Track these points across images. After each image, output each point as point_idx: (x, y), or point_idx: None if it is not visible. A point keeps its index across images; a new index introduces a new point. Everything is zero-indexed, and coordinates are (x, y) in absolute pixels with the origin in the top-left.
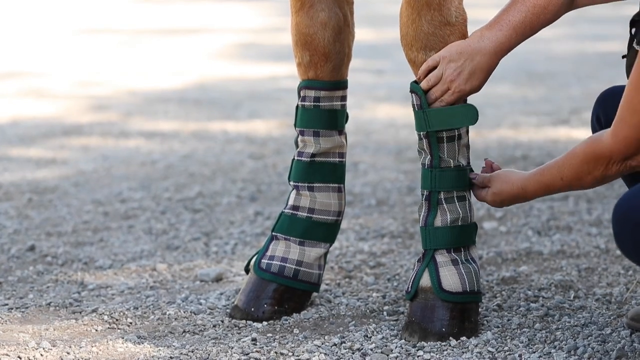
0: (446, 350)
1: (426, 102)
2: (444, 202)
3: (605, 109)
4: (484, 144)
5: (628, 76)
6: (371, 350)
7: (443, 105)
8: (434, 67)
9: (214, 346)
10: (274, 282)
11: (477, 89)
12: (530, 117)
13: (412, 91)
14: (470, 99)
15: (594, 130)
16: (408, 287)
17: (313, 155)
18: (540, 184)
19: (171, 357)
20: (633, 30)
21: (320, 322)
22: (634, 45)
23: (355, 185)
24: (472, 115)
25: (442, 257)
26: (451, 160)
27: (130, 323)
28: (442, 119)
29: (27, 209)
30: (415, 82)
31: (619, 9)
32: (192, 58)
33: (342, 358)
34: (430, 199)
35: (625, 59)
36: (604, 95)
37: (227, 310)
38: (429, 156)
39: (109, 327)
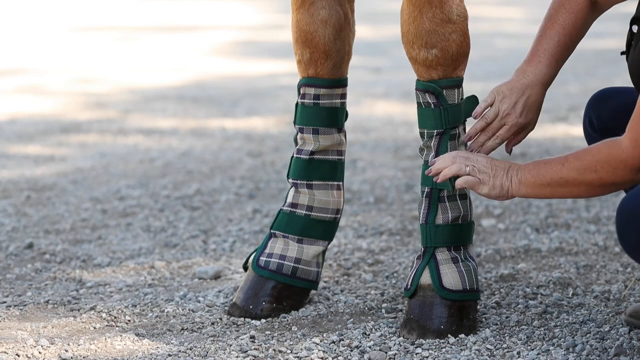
0: (445, 347)
1: (445, 99)
2: (445, 199)
3: (598, 112)
4: None
5: (630, 75)
6: (369, 347)
7: (498, 143)
8: (487, 107)
9: (212, 343)
10: (272, 279)
11: (532, 122)
12: None
13: (424, 90)
14: (470, 93)
15: (587, 135)
16: (407, 285)
17: (312, 152)
18: (535, 168)
19: (169, 355)
20: (634, 27)
21: (319, 320)
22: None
23: (353, 182)
24: (477, 104)
25: (442, 255)
26: None
27: (129, 320)
28: (458, 115)
29: (25, 207)
30: (429, 82)
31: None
32: (190, 55)
33: (340, 355)
34: (432, 196)
35: (623, 56)
36: (596, 98)
37: (226, 308)
38: (433, 153)
39: (107, 325)
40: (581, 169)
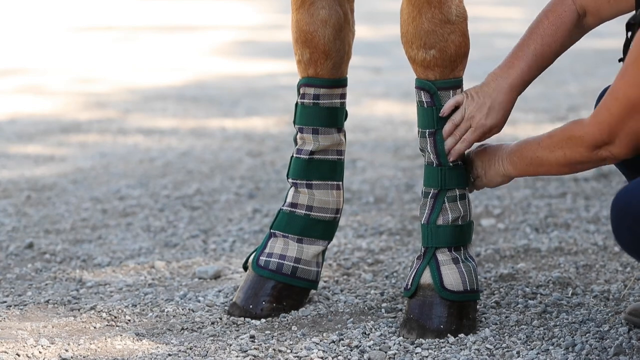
0: (444, 347)
1: (439, 99)
2: (446, 200)
3: None
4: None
5: None
6: (369, 347)
7: (465, 145)
8: (456, 108)
9: (212, 343)
10: (272, 279)
11: (497, 124)
12: (528, 114)
13: (420, 88)
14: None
15: None
16: (407, 285)
17: (312, 152)
18: (518, 148)
19: (169, 354)
20: (629, 33)
21: (319, 319)
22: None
23: (353, 182)
24: None
25: (443, 256)
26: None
27: (129, 320)
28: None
29: (26, 207)
30: (426, 80)
31: None
32: (190, 55)
33: (340, 355)
34: (438, 197)
35: (621, 62)
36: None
37: (226, 308)
38: (433, 154)
39: (107, 325)
40: (551, 146)
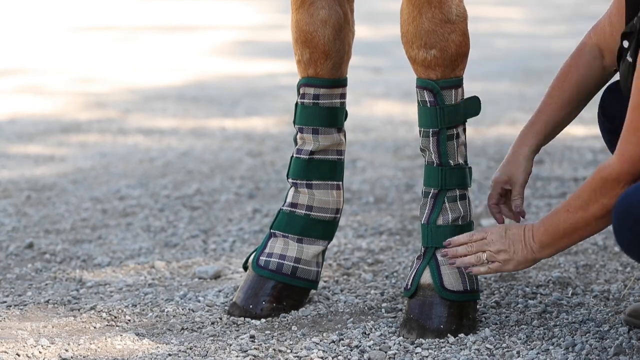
0: (444, 347)
1: (442, 99)
2: (446, 200)
3: (610, 102)
4: (482, 141)
5: (623, 86)
6: (369, 347)
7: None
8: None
9: (212, 343)
10: (272, 279)
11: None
12: (528, 114)
13: (423, 87)
14: (471, 93)
15: (600, 123)
16: (407, 285)
17: (312, 152)
18: (546, 226)
19: (169, 354)
20: (625, 43)
21: (319, 319)
22: (628, 57)
23: (353, 182)
24: (478, 105)
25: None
26: (458, 158)
27: (129, 320)
28: (455, 115)
29: (26, 207)
30: (427, 79)
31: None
32: (190, 55)
33: (340, 355)
34: (438, 197)
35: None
36: (609, 87)
37: (226, 308)
38: (435, 154)
39: (107, 324)
40: (584, 206)
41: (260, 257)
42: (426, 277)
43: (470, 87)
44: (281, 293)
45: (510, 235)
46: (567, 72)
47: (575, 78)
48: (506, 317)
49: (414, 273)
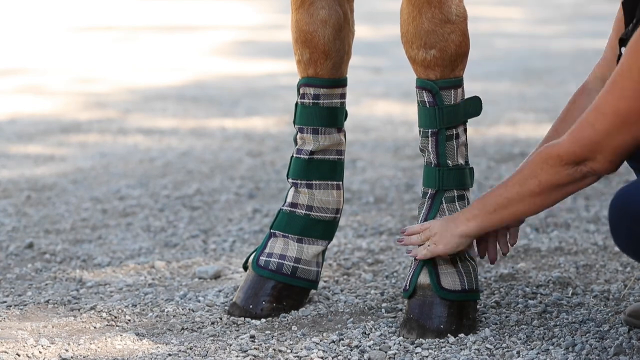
0: (444, 347)
1: (441, 99)
2: (444, 201)
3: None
4: (482, 141)
5: None
6: (369, 347)
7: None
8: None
9: (212, 343)
10: (272, 279)
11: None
12: (528, 114)
13: (422, 87)
14: (471, 93)
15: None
16: (406, 285)
17: (312, 152)
18: (478, 200)
19: (169, 354)
20: (622, 49)
21: (319, 319)
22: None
23: (353, 182)
24: (479, 105)
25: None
26: (457, 158)
27: (129, 320)
28: (454, 115)
29: (26, 207)
30: (426, 79)
31: (616, 6)
32: (190, 55)
33: (340, 355)
34: (435, 197)
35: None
36: None
37: (226, 308)
38: (434, 154)
39: (107, 324)
40: (522, 180)
41: (260, 257)
42: (424, 277)
43: (470, 87)
44: (281, 293)
45: (446, 217)
46: (572, 107)
47: (579, 113)
48: (506, 317)
49: (411, 274)
